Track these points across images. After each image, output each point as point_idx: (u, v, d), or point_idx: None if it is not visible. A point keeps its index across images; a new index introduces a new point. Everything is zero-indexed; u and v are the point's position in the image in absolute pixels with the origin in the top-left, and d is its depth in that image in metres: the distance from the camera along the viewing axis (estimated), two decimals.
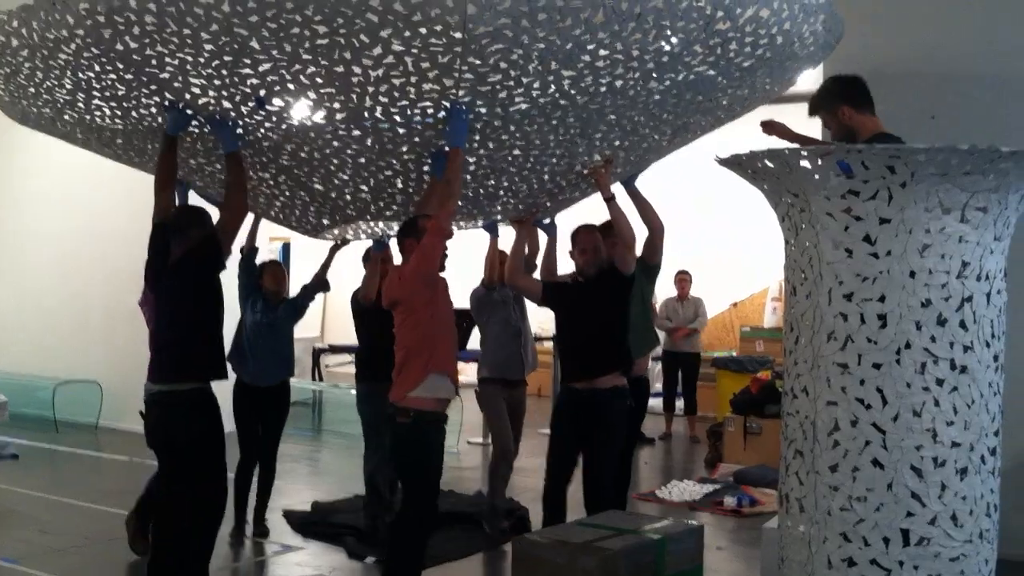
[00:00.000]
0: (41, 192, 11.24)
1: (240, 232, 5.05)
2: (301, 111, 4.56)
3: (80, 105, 4.86)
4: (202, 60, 4.18)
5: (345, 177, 5.15)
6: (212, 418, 4.67)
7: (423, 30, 3.88)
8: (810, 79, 5.61)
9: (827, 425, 3.51)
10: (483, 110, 4.50)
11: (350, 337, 6.61)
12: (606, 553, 4.28)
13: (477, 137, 4.76)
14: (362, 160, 4.94)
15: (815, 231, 3.56)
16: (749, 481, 7.86)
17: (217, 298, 4.75)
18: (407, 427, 4.59)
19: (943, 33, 5.99)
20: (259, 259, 6.46)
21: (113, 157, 5.73)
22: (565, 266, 5.82)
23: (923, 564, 3.40)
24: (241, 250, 6.33)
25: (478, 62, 4.11)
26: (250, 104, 4.50)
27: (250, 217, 6.02)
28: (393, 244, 5.53)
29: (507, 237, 5.97)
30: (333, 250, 6.58)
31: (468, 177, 5.18)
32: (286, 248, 14.26)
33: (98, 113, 4.92)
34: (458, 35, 3.91)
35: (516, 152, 4.99)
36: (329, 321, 14.95)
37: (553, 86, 4.37)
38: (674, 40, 4.21)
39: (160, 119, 4.82)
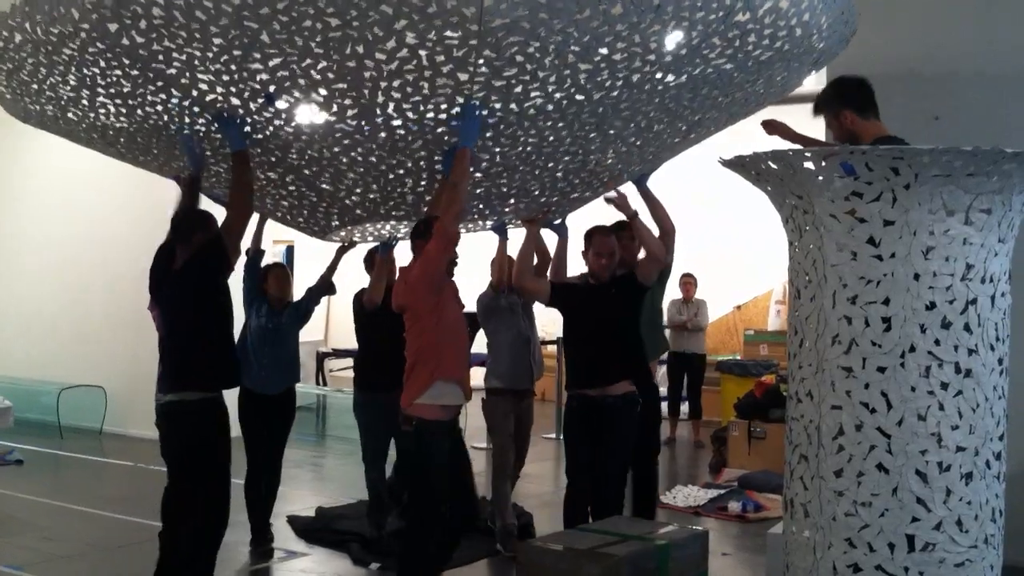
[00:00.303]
0: (42, 197, 11.24)
1: (246, 233, 4.99)
2: (311, 108, 4.48)
3: (84, 103, 4.79)
4: (211, 55, 4.10)
5: (355, 176, 5.07)
6: (218, 429, 4.63)
7: (438, 22, 3.82)
8: (813, 79, 5.59)
9: (832, 429, 3.49)
10: (497, 106, 4.44)
11: (354, 341, 6.55)
12: (611, 559, 4.26)
13: (490, 134, 4.68)
14: (372, 159, 4.86)
15: (819, 233, 3.54)
16: (754, 486, 7.83)
17: (220, 304, 4.70)
18: (410, 435, 4.58)
19: (944, 33, 5.96)
20: (263, 262, 6.38)
21: (117, 156, 5.68)
22: (574, 268, 5.76)
23: (928, 570, 3.37)
24: (246, 252, 6.20)
25: (494, 55, 4.04)
26: (259, 101, 4.43)
27: (256, 218, 5.94)
28: (404, 246, 5.44)
29: (516, 240, 5.87)
30: (340, 252, 6.42)
31: (480, 175, 5.10)
32: (290, 251, 14.15)
33: (102, 111, 4.86)
34: (474, 27, 3.84)
35: (529, 149, 4.92)
36: (333, 325, 14.87)
37: (569, 80, 4.30)
38: (693, 32, 4.14)
39: (165, 117, 4.73)
